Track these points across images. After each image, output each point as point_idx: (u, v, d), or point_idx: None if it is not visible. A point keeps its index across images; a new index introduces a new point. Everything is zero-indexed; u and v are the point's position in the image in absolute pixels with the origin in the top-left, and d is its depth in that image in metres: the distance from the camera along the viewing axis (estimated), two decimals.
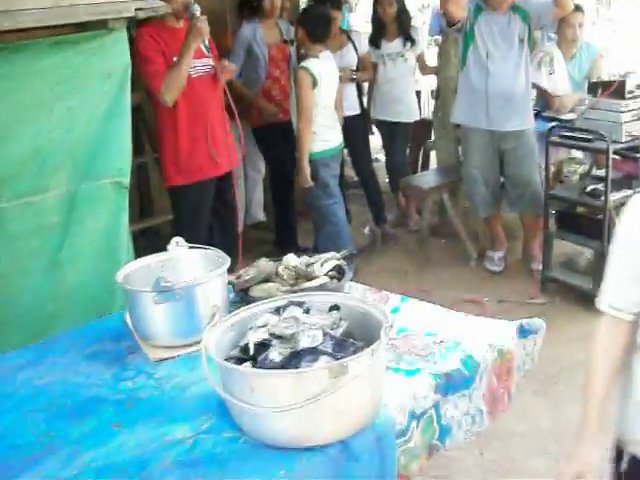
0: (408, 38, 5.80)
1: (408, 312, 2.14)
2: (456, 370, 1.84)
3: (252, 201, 6.13)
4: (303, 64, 4.57)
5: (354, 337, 1.64)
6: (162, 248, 2.39)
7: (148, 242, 4.60)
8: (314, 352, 1.53)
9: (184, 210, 4.15)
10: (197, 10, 3.72)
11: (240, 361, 1.59)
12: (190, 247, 2.25)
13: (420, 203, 5.89)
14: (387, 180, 6.59)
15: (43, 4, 2.87)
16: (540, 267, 4.89)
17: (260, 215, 6.25)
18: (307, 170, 4.61)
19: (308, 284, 2.12)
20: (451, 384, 1.82)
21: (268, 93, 5.38)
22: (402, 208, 6.25)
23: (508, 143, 4.80)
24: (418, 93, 6.69)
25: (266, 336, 1.61)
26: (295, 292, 2.00)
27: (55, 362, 1.98)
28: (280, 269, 2.21)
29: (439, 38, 6.78)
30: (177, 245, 2.23)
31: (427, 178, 6.05)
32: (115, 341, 2.07)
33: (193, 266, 2.17)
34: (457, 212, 5.61)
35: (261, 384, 1.47)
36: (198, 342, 1.79)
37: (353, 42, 5.70)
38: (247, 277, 2.18)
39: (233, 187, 4.15)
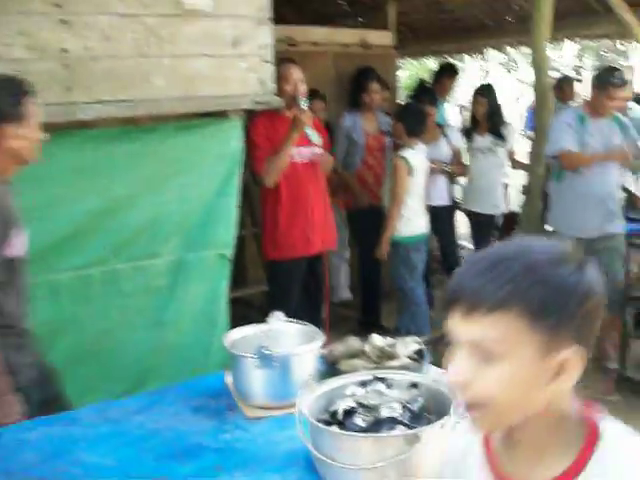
0: (499, 134, 6.07)
1: None
2: None
3: (339, 280, 6.42)
4: (401, 154, 4.90)
5: (428, 412, 1.86)
6: (253, 317, 2.66)
7: (240, 310, 4.89)
8: (393, 422, 1.77)
9: (277, 284, 4.45)
10: (304, 103, 4.08)
11: (328, 424, 1.83)
12: (288, 321, 2.52)
13: None
14: None
15: (175, 94, 3.26)
16: (615, 366, 4.95)
17: (346, 294, 6.52)
18: (387, 246, 4.92)
19: (391, 363, 2.35)
20: None
21: (362, 179, 5.72)
22: None
23: (599, 244, 4.89)
24: (508, 186, 6.92)
25: (353, 404, 1.85)
26: (379, 369, 2.24)
27: (165, 410, 2.26)
28: (366, 347, 2.45)
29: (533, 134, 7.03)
30: (277, 318, 2.50)
31: None
32: (216, 397, 2.33)
33: (290, 338, 2.43)
34: None
35: (347, 444, 1.70)
36: (290, 405, 2.06)
37: (447, 136, 6.00)
38: (337, 352, 2.43)
39: (325, 266, 4.45)
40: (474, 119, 6.20)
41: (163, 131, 3.41)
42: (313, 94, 5.36)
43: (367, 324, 5.55)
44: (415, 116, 5.04)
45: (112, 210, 3.39)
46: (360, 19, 8.48)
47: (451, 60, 9.87)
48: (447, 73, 6.92)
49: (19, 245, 2.52)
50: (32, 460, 1.96)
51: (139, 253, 3.50)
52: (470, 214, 6.43)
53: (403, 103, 6.55)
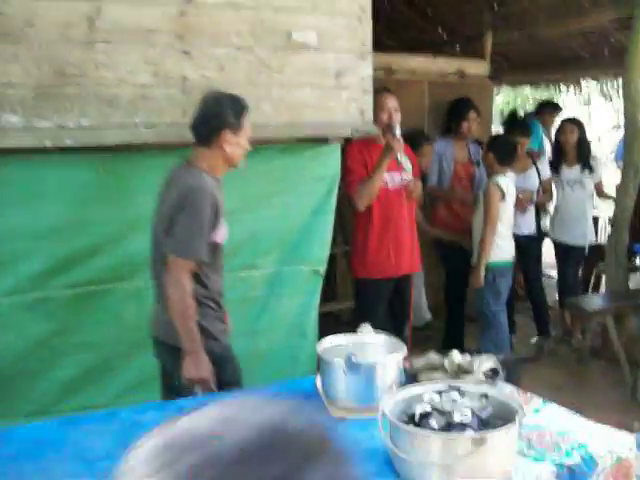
0: (587, 166, 6.16)
1: (547, 414, 2.51)
2: (577, 465, 2.19)
3: (420, 301, 6.59)
4: (495, 180, 5.10)
5: (496, 420, 2.06)
6: (340, 331, 2.90)
7: (329, 324, 5.14)
8: (463, 426, 1.99)
9: (364, 301, 4.68)
10: (397, 131, 4.31)
11: (406, 424, 2.06)
12: (375, 333, 2.75)
13: (584, 323, 6.12)
14: (557, 297, 6.86)
15: (281, 120, 3.56)
16: None
17: (427, 315, 6.68)
18: (482, 274, 5.07)
19: (466, 377, 2.55)
20: (571, 476, 2.17)
21: (448, 205, 5.90)
22: (567, 326, 6.49)
23: None
24: (596, 219, 6.98)
25: (429, 409, 2.07)
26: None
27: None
28: (445, 362, 2.66)
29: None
30: (365, 330, 2.75)
31: (594, 300, 6.29)
32: (307, 398, 2.58)
33: (375, 348, 2.66)
34: (621, 337, 5.77)
35: (421, 442, 1.92)
36: (372, 409, 2.30)
37: (537, 166, 6.13)
38: (417, 365, 2.65)
39: (411, 288, 4.66)
40: (561, 150, 6.31)
41: (268, 153, 3.71)
42: (421, 136, 5.64)
43: (450, 346, 5.70)
44: (506, 147, 5.22)
45: None
46: (457, 47, 8.67)
47: (546, 88, 9.98)
48: (549, 109, 7.08)
49: (222, 233, 3.03)
50: None
51: (240, 264, 3.80)
52: (557, 244, 6.52)
53: (495, 134, 6.71)
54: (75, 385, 3.63)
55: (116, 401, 3.63)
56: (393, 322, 4.67)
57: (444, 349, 5.73)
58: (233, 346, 3.88)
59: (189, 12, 3.38)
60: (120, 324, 3.69)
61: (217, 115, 2.93)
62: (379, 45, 5.54)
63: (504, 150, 5.16)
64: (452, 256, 5.91)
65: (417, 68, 6.65)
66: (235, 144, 2.98)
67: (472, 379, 2.54)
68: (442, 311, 6.28)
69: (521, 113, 8.87)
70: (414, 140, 5.22)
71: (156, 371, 3.73)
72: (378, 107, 4.21)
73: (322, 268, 3.96)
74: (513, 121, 6.61)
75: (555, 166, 6.32)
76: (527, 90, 13.20)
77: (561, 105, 8.25)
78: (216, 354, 3.03)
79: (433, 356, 2.72)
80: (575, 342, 6.31)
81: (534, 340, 6.33)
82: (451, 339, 5.99)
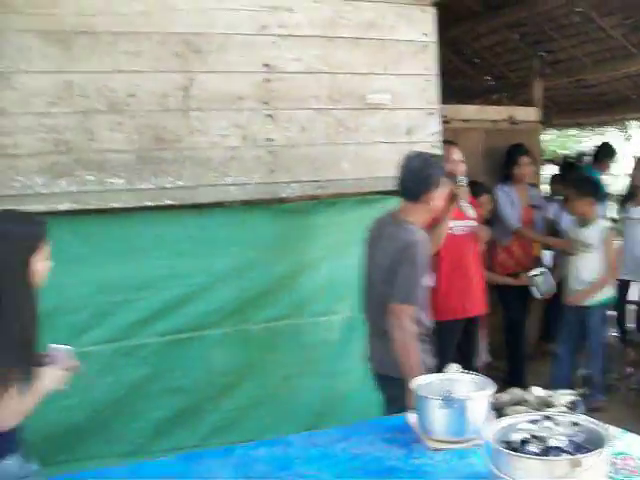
0: None
1: (628, 441, 2.70)
2: None
3: (481, 343, 6.73)
4: (607, 225, 5.44)
5: (588, 445, 2.27)
6: None
7: None
8: (560, 450, 2.20)
9: (435, 343, 4.86)
10: (461, 181, 4.53)
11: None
12: (463, 372, 2.97)
13: None
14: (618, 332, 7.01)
15: (358, 176, 3.83)
16: None
17: (487, 357, 6.81)
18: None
19: (549, 410, 2.76)
20: None
21: (509, 249, 6.09)
22: (628, 361, 6.61)
23: None
24: None
25: (527, 436, 2.28)
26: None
27: (362, 439, 2.73)
28: (528, 397, 2.88)
29: None
30: (453, 369, 2.98)
31: None
32: (402, 432, 2.78)
33: (464, 385, 2.87)
34: None
35: (524, 465, 2.13)
36: (466, 440, 2.53)
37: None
38: (503, 400, 2.87)
39: (478, 330, 4.86)
40: (632, 188, 6.47)
41: (346, 205, 3.98)
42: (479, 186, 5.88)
43: (513, 385, 5.84)
44: (599, 188, 5.54)
45: (299, 272, 3.97)
46: (505, 94, 8.92)
47: (592, 129, 10.16)
48: (607, 156, 7.27)
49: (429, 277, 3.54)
50: (265, 470, 2.48)
51: (319, 310, 4.05)
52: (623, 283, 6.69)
53: (585, 176, 6.81)
54: (166, 427, 3.86)
55: (204, 442, 3.87)
56: (461, 364, 4.84)
57: (508, 388, 5.93)
58: (314, 387, 4.13)
59: (273, 79, 3.70)
60: (208, 369, 3.94)
61: (428, 175, 3.36)
62: None
63: (598, 192, 5.43)
64: (510, 296, 6.07)
65: (470, 117, 6.88)
66: (439, 198, 3.44)
67: (556, 411, 2.74)
68: (500, 352, 6.42)
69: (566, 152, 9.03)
70: (472, 190, 5.44)
71: (240, 414, 3.98)
72: (444, 158, 4.44)
73: None
74: (567, 166, 6.80)
75: (622, 204, 6.50)
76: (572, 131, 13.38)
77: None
78: None
79: (516, 391, 2.94)
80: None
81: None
82: (514, 378, 6.12)
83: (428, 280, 3.47)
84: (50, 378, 2.46)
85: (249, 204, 3.75)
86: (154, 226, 3.67)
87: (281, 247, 3.88)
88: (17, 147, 3.38)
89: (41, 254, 2.52)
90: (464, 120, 6.84)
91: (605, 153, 7.38)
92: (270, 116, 3.69)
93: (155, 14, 3.53)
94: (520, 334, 6.06)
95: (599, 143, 7.88)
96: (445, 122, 6.56)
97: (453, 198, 4.46)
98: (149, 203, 3.52)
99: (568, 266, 5.61)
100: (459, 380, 2.91)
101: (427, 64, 4.00)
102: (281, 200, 3.79)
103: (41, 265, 2.52)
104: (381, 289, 3.38)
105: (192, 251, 3.76)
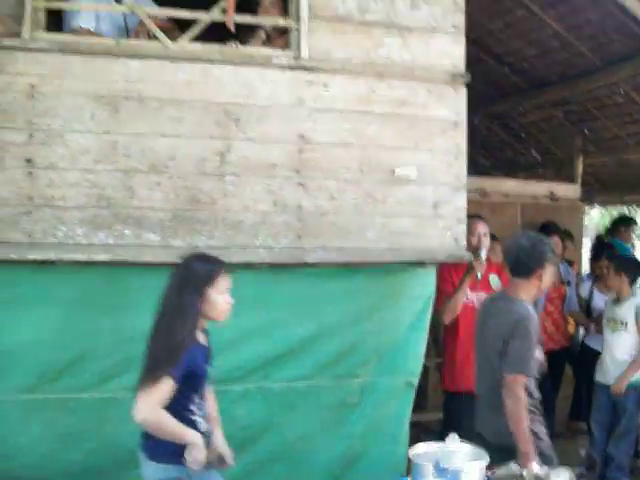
0: None
1: None
2: None
3: None
4: None
5: None
6: (428, 440, 3.22)
7: (418, 433, 5.37)
8: None
9: (450, 412, 4.92)
10: (483, 255, 4.64)
11: None
12: (461, 441, 3.05)
13: None
14: None
15: (383, 246, 3.97)
16: None
17: None
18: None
19: None
20: None
21: (541, 324, 6.12)
22: None
23: None
24: None
25: None
26: None
27: None
28: (524, 473, 2.95)
29: None
30: (452, 439, 3.05)
31: None
32: None
33: (461, 456, 2.96)
34: None
35: None
36: None
37: None
38: (499, 474, 2.94)
39: None
40: None
41: (371, 273, 4.11)
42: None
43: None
44: (633, 265, 5.56)
45: (322, 334, 4.10)
46: (549, 170, 9.00)
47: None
48: (624, 225, 7.31)
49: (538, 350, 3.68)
50: None
51: (340, 373, 4.17)
52: None
53: (621, 255, 6.84)
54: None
55: None
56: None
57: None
58: (331, 447, 4.22)
59: (306, 149, 3.89)
60: (230, 422, 4.05)
61: (540, 253, 3.59)
62: (475, 166, 5.92)
63: (636, 271, 5.47)
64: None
65: (510, 191, 7.00)
66: (548, 275, 3.65)
67: None
68: None
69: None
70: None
71: (258, 468, 4.08)
72: (469, 231, 4.56)
73: (415, 380, 4.27)
74: (600, 246, 6.84)
75: None
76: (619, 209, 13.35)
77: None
78: (543, 453, 3.49)
79: (513, 466, 3.01)
80: None
81: None
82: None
83: (538, 353, 3.66)
84: (197, 449, 2.89)
85: (276, 266, 3.91)
86: None
87: (305, 309, 4.02)
88: (63, 199, 3.64)
89: (217, 287, 3.08)
90: (504, 194, 6.97)
91: (622, 223, 7.42)
92: (301, 184, 3.88)
93: (198, 84, 3.78)
94: (549, 411, 6.06)
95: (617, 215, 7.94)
96: (484, 195, 6.74)
97: (469, 270, 4.57)
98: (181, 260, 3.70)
99: (601, 344, 5.62)
100: (457, 451, 2.99)
101: (457, 141, 4.14)
102: (307, 264, 3.94)
103: (218, 297, 3.10)
104: (495, 362, 3.56)
105: None
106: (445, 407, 5.03)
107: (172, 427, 2.91)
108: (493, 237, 6.46)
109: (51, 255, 3.61)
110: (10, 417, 3.82)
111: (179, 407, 2.97)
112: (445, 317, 4.69)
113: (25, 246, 3.59)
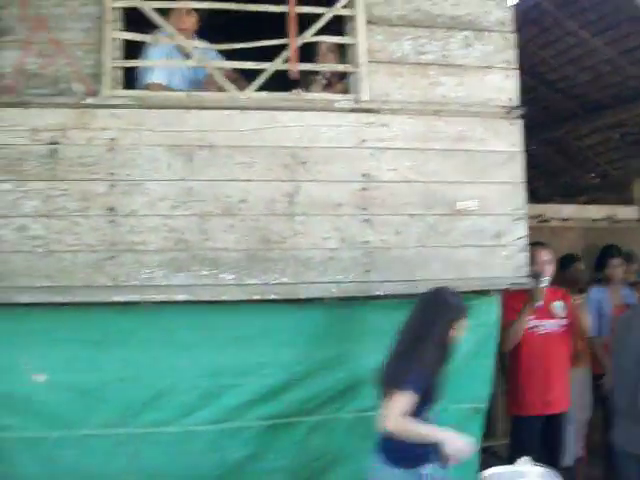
0: None
1: None
2: None
3: (568, 444, 6.65)
4: None
5: None
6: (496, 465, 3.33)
7: (487, 459, 5.41)
8: None
9: (517, 437, 4.98)
10: (544, 282, 4.71)
11: None
12: (534, 465, 3.16)
13: None
14: None
15: (448, 276, 4.11)
16: None
17: (570, 459, 6.71)
18: None
19: None
20: None
21: (606, 347, 6.13)
22: None
23: None
24: None
25: None
26: None
27: None
28: None
29: None
30: (524, 462, 3.16)
31: None
32: None
33: (533, 478, 3.06)
34: None
35: None
36: None
37: None
38: None
39: (560, 428, 4.95)
40: None
41: None
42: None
43: None
44: None
45: None
46: (608, 192, 8.99)
47: None
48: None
49: None
50: None
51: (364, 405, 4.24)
52: None
53: None
54: None
55: None
56: (548, 458, 4.92)
57: None
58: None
59: (370, 187, 4.08)
60: (303, 453, 4.21)
61: None
62: (533, 191, 5.99)
63: None
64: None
65: (570, 215, 7.05)
66: None
67: None
68: (599, 450, 6.36)
69: None
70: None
71: None
72: (531, 259, 4.64)
73: (483, 406, 4.36)
74: None
75: None
76: None
77: None
78: None
79: None
80: None
81: None
82: (610, 477, 6.06)
83: None
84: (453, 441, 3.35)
85: (345, 300, 4.08)
86: (259, 317, 4.05)
87: (374, 340, 4.13)
88: (144, 244, 3.88)
89: (458, 324, 3.51)
90: (563, 219, 7.02)
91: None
92: (367, 221, 4.06)
93: (266, 130, 4.01)
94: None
95: None
96: (544, 221, 6.81)
97: (530, 299, 4.65)
98: (256, 297, 3.92)
99: None
100: (529, 473, 3.09)
101: (514, 172, 4.28)
102: (375, 297, 4.10)
103: (456, 332, 3.52)
104: (635, 373, 3.70)
105: (293, 341, 4.10)
106: (512, 432, 5.10)
107: (421, 429, 3.37)
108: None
109: (134, 297, 3.85)
110: (97, 451, 4.01)
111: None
112: (506, 344, 4.77)
113: (110, 289, 3.84)
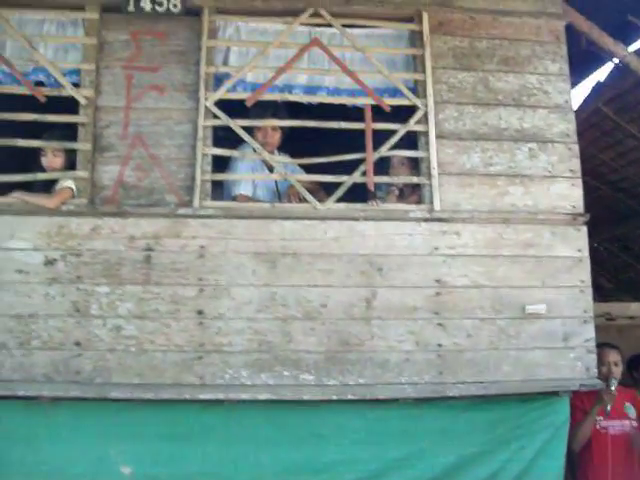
0: None
1: None
2: None
3: None
4: None
5: None
6: None
7: None
8: None
9: None
10: (613, 384, 4.79)
11: None
12: None
13: None
14: None
15: (518, 378, 4.26)
16: None
17: None
18: None
19: None
20: None
21: None
22: None
23: None
24: None
25: None
26: None
27: None
28: None
29: None
30: None
31: None
32: None
33: None
34: None
35: None
36: None
37: None
38: None
39: None
40: None
41: (508, 404, 4.38)
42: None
43: None
44: None
45: (462, 464, 4.33)
46: None
47: None
48: None
49: None
50: None
51: None
52: None
53: None
54: None
55: None
56: None
57: None
58: None
59: (443, 292, 4.31)
60: None
61: None
62: (598, 289, 6.10)
63: None
64: None
65: (636, 313, 7.08)
66: None
67: None
68: None
69: None
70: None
71: None
72: (600, 360, 4.73)
73: None
74: None
75: None
76: None
77: None
78: None
79: None
80: None
81: None
82: None
83: None
84: None
85: (420, 401, 4.25)
86: (337, 416, 4.24)
87: (446, 440, 4.30)
88: (230, 345, 4.14)
89: None
90: (630, 317, 7.05)
91: None
92: (440, 324, 4.27)
93: (345, 239, 4.31)
94: None
95: None
96: (610, 319, 6.86)
97: (599, 401, 4.71)
98: (334, 397, 4.12)
99: None
100: None
101: (581, 276, 4.46)
102: (448, 398, 4.26)
103: None
104: None
105: (368, 440, 4.26)
106: None
107: None
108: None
109: (220, 395, 4.09)
110: None
111: None
112: (573, 445, 4.82)
113: (197, 387, 4.09)
